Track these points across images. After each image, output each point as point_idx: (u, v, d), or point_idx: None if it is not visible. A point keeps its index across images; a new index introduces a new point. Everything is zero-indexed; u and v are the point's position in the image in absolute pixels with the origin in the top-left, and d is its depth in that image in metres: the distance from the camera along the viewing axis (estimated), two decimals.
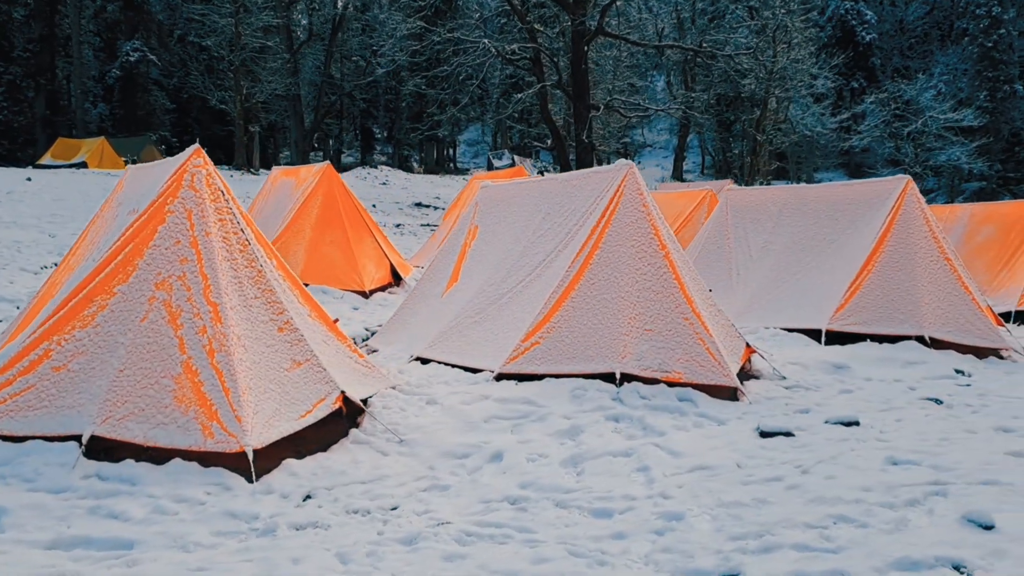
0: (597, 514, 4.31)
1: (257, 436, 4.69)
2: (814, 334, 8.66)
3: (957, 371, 7.68)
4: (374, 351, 8.05)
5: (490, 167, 40.90)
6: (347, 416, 5.44)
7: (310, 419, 5.14)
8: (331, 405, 5.30)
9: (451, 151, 64.07)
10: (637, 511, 4.30)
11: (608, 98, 32.14)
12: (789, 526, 4.04)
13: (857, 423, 5.90)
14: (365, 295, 11.37)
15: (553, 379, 6.60)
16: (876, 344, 8.39)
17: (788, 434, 5.63)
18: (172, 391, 4.80)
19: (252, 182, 33.70)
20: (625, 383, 6.51)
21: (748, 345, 7.39)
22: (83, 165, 39.17)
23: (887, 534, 3.92)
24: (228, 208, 5.45)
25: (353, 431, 5.35)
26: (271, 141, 59.43)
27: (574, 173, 7.98)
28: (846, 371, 7.55)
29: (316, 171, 12.04)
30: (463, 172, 55.24)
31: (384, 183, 39.89)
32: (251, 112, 48.56)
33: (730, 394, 6.52)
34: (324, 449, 5.15)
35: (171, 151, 51.66)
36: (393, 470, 4.93)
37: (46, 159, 40.29)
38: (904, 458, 5.02)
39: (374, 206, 29.00)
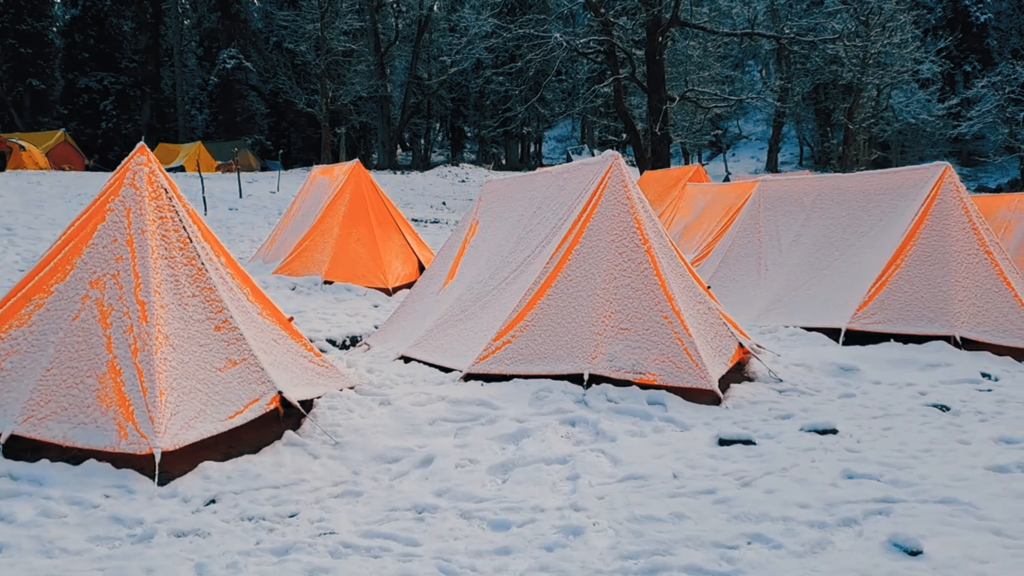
0: (496, 526, 4.04)
1: (171, 438, 4.60)
2: (834, 333, 8.05)
3: (983, 375, 6.97)
4: (367, 348, 7.94)
5: (568, 160, 40.41)
6: (286, 417, 5.30)
7: (239, 420, 5.02)
8: (265, 406, 5.18)
9: (535, 147, 63.91)
10: (538, 524, 4.00)
11: (687, 89, 31.18)
12: (693, 545, 3.68)
13: (834, 431, 5.43)
14: (388, 292, 11.29)
15: (522, 380, 6.33)
16: (900, 345, 7.73)
17: (748, 442, 5.22)
18: (96, 391, 4.78)
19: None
20: (594, 385, 6.17)
21: (741, 346, 6.88)
22: (180, 169, 40.95)
23: (797, 557, 3.52)
24: (170, 206, 5.40)
25: (288, 433, 5.20)
26: (362, 142, 60.75)
27: (566, 165, 7.64)
28: (854, 374, 6.95)
29: (346, 169, 12.06)
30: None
31: (463, 180, 40.06)
32: (338, 114, 49.76)
33: (710, 398, 6.08)
34: (255, 451, 5.03)
35: (266, 154, 53.59)
36: (315, 474, 4.76)
37: None
38: (864, 472, 4.56)
39: (444, 203, 29.11)
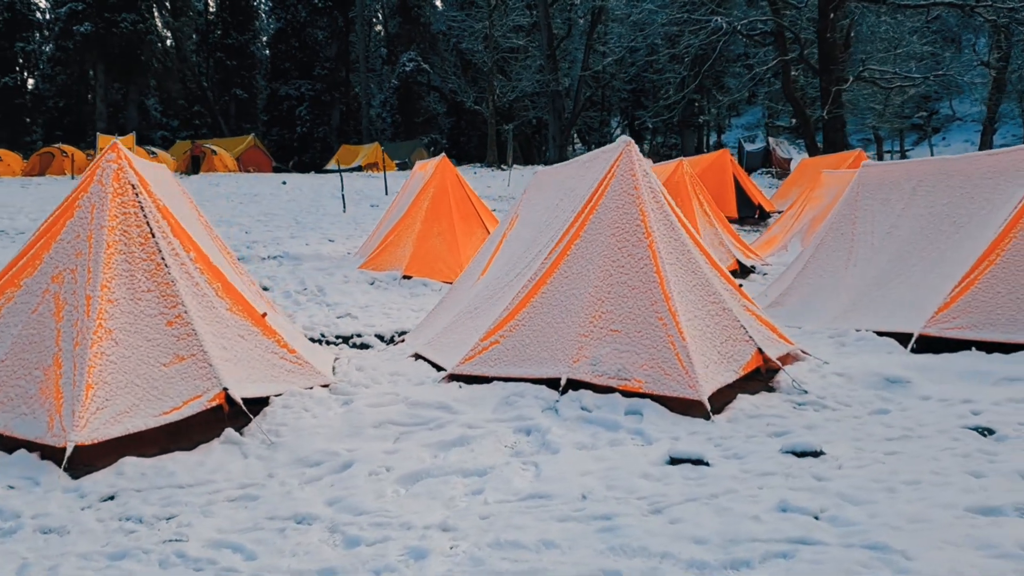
0: (349, 543, 3.75)
1: (90, 432, 4.66)
2: (907, 339, 6.94)
3: None
4: (403, 343, 7.84)
5: (740, 152, 38.47)
6: (233, 416, 5.23)
7: (175, 416, 5.02)
8: (206, 403, 5.14)
9: (715, 136, 61.54)
10: (390, 544, 3.67)
11: (862, 69, 28.69)
12: None
13: (815, 454, 4.69)
14: None
15: (501, 383, 5.94)
16: (982, 355, 6.57)
17: (699, 462, 4.60)
18: (40, 382, 4.93)
19: (491, 177, 34.96)
20: (571, 391, 5.67)
21: (761, 352, 6.06)
22: (359, 169, 43.15)
23: None
24: (135, 202, 5.50)
25: (228, 431, 5.14)
26: (537, 137, 61.26)
27: (589, 155, 7.08)
28: (901, 387, 5.95)
29: (432, 164, 12.02)
30: None
31: None
32: (507, 110, 50.42)
33: (700, 409, 5.37)
34: (190, 449, 4.99)
35: (441, 152, 55.31)
36: (228, 475, 4.66)
37: (331, 164, 44.80)
38: (804, 505, 3.87)
39: None
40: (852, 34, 39.22)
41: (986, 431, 5.08)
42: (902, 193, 8.43)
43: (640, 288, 5.88)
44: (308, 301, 10.39)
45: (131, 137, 29.50)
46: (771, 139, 39.45)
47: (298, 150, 54.46)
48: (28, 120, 48.27)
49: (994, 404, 5.59)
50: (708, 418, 5.32)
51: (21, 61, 48.62)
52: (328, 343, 8.40)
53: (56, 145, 32.36)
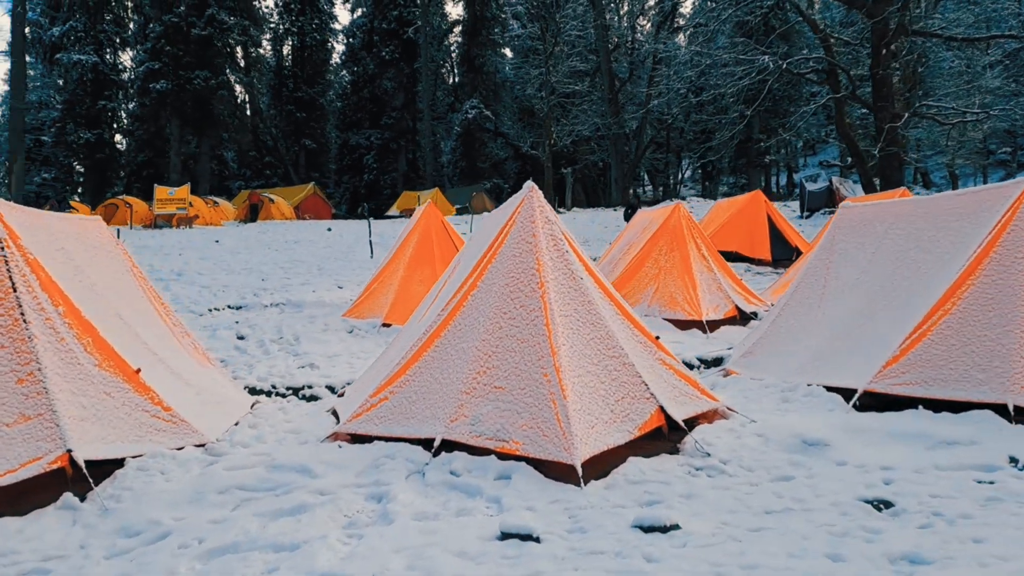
0: None
1: None
2: (854, 395, 6.27)
3: (1012, 459, 5.06)
4: (342, 396, 7.54)
5: (802, 192, 37.15)
6: (75, 478, 4.99)
7: (8, 479, 4.81)
8: (46, 465, 4.92)
9: (786, 176, 59.89)
10: None
11: (919, 104, 27.46)
12: None
13: (664, 529, 4.23)
14: None
15: (383, 442, 5.57)
16: (928, 414, 5.90)
17: (528, 537, 4.11)
18: None
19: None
20: (444, 452, 5.25)
21: (663, 410, 5.52)
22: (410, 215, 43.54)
23: None
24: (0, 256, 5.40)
25: (66, 495, 4.90)
26: (602, 180, 60.97)
27: (508, 200, 6.71)
28: (819, 451, 5.36)
29: (418, 210, 11.84)
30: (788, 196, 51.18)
31: None
32: (569, 154, 50.37)
33: (577, 474, 4.87)
34: (23, 513, 4.77)
35: (500, 197, 55.61)
36: (40, 545, 4.40)
37: (392, 211, 45.45)
38: None
39: None
40: (920, 70, 37.85)
41: (883, 504, 4.48)
42: (875, 236, 7.74)
43: (528, 341, 5.46)
44: (279, 350, 10.24)
45: (186, 187, 30.54)
46: (835, 179, 38.05)
47: (366, 197, 55.56)
48: (111, 173, 50.71)
49: (915, 472, 4.95)
50: (579, 484, 4.82)
51: (107, 118, 51.25)
52: (278, 395, 8.17)
53: (120, 197, 33.78)
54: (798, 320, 8.02)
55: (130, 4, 53.79)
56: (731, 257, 19.11)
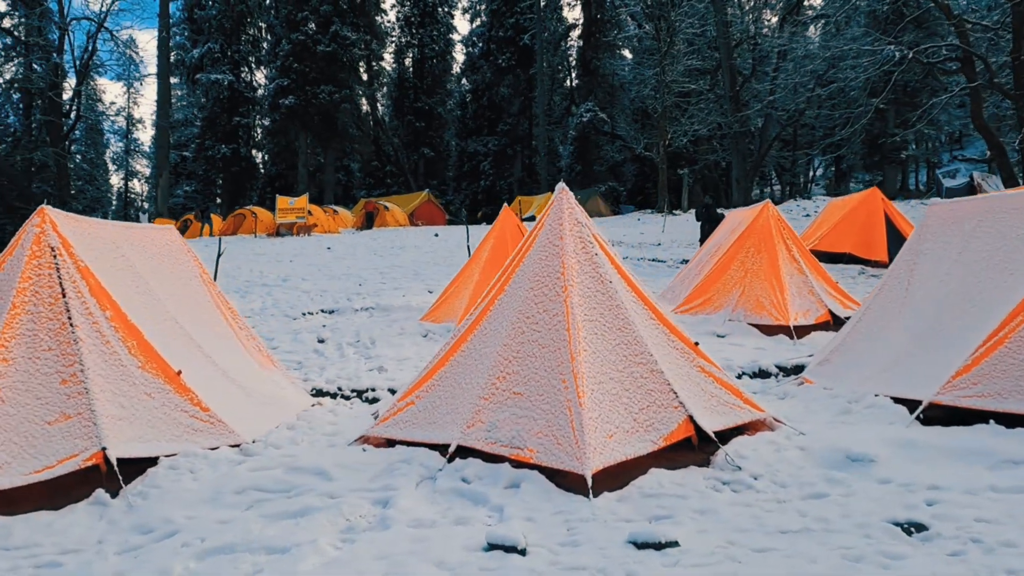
0: None
1: None
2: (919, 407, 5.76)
3: None
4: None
5: (938, 189, 34.84)
6: (109, 475, 5.21)
7: (46, 475, 5.08)
8: (82, 462, 5.16)
9: (925, 172, 56.28)
10: None
11: None
12: None
13: (658, 546, 4.00)
14: None
15: (405, 447, 5.55)
16: (1001, 429, 5.34)
17: (513, 549, 3.98)
18: None
19: (653, 223, 34.15)
20: (458, 459, 5.17)
21: (691, 419, 5.21)
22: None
23: None
24: (51, 263, 5.70)
25: (98, 492, 5.11)
26: (724, 179, 59.24)
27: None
28: (862, 467, 4.95)
29: (501, 213, 11.88)
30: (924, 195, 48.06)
31: (807, 215, 36.77)
32: (687, 154, 49.28)
33: (587, 485, 4.69)
34: (58, 508, 5.03)
35: (619, 200, 54.99)
36: (62, 539, 4.61)
37: None
38: None
39: None
40: None
41: (915, 528, 4.08)
42: (962, 234, 7.09)
43: (549, 347, 5.31)
44: (355, 353, 10.43)
45: (304, 197, 31.83)
46: (976, 175, 35.43)
47: (482, 202, 56.22)
48: (246, 185, 53.56)
49: (966, 493, 4.49)
50: (587, 496, 4.63)
51: (242, 133, 54.23)
52: (343, 397, 8.34)
53: (248, 207, 35.58)
54: (877, 326, 7.45)
55: (263, 25, 56.70)
56: (844, 259, 18.12)
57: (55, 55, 50.35)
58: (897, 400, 6.10)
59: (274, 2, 52.24)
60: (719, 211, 16.30)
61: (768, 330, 10.70)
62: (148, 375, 5.82)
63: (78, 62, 52.08)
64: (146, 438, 5.52)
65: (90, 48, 50.75)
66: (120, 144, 65.49)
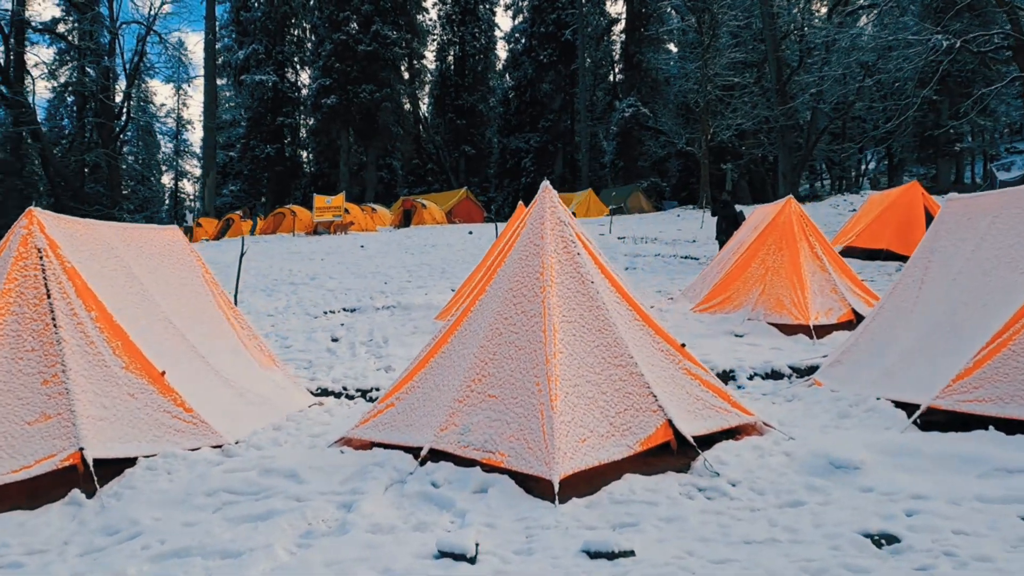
0: None
1: None
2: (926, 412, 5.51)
3: None
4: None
5: (992, 181, 33.63)
6: (86, 476, 5.24)
7: (23, 475, 5.12)
8: (59, 463, 5.20)
9: (981, 165, 54.44)
10: None
11: None
12: None
13: (612, 555, 3.88)
14: None
15: (382, 449, 5.49)
16: (1001, 435, 5.09)
17: (462, 557, 3.91)
18: None
19: (692, 219, 33.68)
20: (430, 462, 5.08)
21: (671, 423, 5.06)
22: (572, 215, 43.31)
23: None
24: (38, 264, 5.77)
25: (74, 492, 5.14)
26: (772, 175, 58.16)
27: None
28: (845, 474, 4.76)
29: (516, 211, 11.74)
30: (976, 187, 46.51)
31: (853, 210, 35.89)
32: (731, 149, 48.49)
33: (555, 490, 4.57)
34: (34, 508, 5.07)
35: (663, 196, 54.33)
36: (31, 539, 4.63)
37: None
38: None
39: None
40: None
41: (886, 540, 3.89)
42: (976, 231, 6.78)
43: (525, 348, 5.19)
44: (366, 352, 10.42)
45: (341, 196, 32.05)
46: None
47: (525, 198, 56.12)
48: (290, 184, 54.26)
49: (950, 503, 4.28)
50: (553, 501, 4.50)
51: (286, 133, 54.98)
52: (347, 396, 8.34)
53: (288, 206, 35.99)
54: (888, 326, 7.17)
55: (307, 26, 57.37)
56: (881, 255, 17.60)
57: (106, 59, 51.62)
58: (898, 404, 5.86)
59: (317, 3, 52.76)
60: (737, 208, 15.85)
61: (788, 329, 10.40)
62: (132, 375, 5.84)
63: (128, 65, 53.34)
64: (126, 438, 5.55)
65: (139, 51, 51.92)
66: (171, 145, 66.92)
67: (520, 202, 12.02)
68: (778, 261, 11.01)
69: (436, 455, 5.18)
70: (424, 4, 56.57)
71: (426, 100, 62.32)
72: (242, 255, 14.07)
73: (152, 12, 53.29)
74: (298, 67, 57.50)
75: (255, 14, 54.24)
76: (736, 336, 10.44)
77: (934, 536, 3.88)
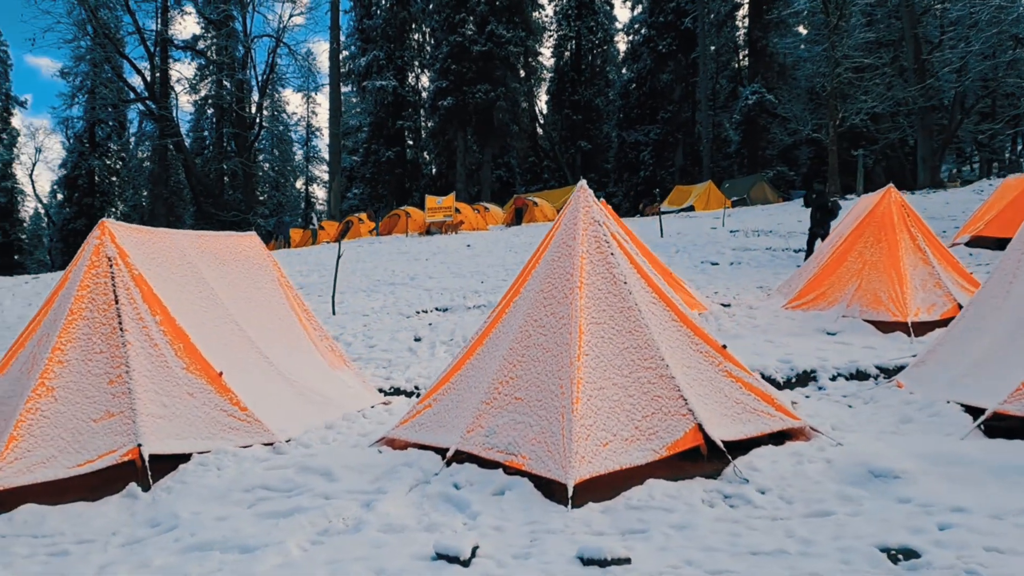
0: None
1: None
2: (993, 417, 5.11)
3: None
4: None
5: None
6: (142, 470, 5.57)
7: (87, 468, 5.51)
8: (119, 457, 5.57)
9: None
10: None
11: None
12: None
13: (605, 563, 3.80)
14: None
15: (417, 450, 5.57)
16: None
17: (456, 560, 3.93)
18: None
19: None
20: (455, 464, 5.12)
21: (701, 428, 4.87)
22: (690, 209, 42.69)
23: None
24: (108, 272, 6.18)
25: (131, 485, 5.48)
26: (910, 159, 54.89)
27: None
28: (883, 484, 4.50)
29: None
30: None
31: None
32: (865, 133, 46.15)
33: (570, 494, 4.52)
34: (95, 500, 5.43)
35: (784, 186, 52.30)
36: (84, 529, 4.96)
37: (664, 206, 44.93)
38: None
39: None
40: None
41: (904, 555, 3.65)
42: None
43: (553, 351, 5.15)
44: (445, 352, 10.57)
45: (451, 196, 32.61)
46: None
47: (642, 193, 55.31)
48: (409, 185, 55.73)
49: (990, 518, 3.98)
50: (567, 505, 4.45)
51: (406, 136, 56.54)
52: (417, 396, 8.51)
53: (402, 207, 36.94)
54: (972, 327, 6.65)
55: (427, 30, 58.71)
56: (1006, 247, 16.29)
57: (239, 72, 54.64)
58: (968, 408, 5.42)
59: (436, 6, 53.87)
60: (833, 200, 14.82)
61: (884, 327, 9.81)
62: (192, 376, 6.17)
63: (260, 77, 56.23)
64: (183, 435, 5.86)
65: (270, 63, 54.64)
66: (302, 152, 70.10)
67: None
68: (876, 254, 10.38)
69: (463, 457, 5.21)
70: (540, 1, 56.76)
71: (544, 97, 62.49)
72: (338, 259, 14.55)
73: (281, 25, 56.07)
74: (418, 71, 58.93)
75: (377, 21, 55.92)
76: (828, 334, 9.95)
77: (961, 552, 3.59)
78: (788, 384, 8.14)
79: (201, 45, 56.83)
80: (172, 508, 5.09)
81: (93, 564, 4.36)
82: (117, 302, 6.11)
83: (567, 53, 60.12)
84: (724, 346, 5.50)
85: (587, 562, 3.76)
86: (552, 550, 3.94)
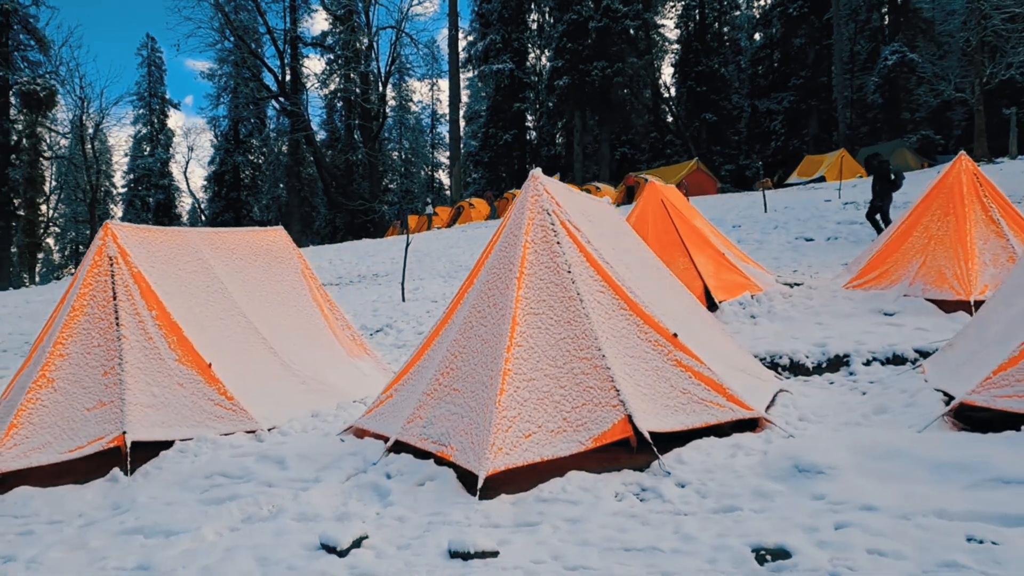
0: None
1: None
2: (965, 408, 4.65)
3: None
4: None
5: None
6: (125, 456, 5.92)
7: (78, 454, 5.92)
8: (106, 444, 5.95)
9: None
10: None
11: None
12: None
13: (468, 555, 3.77)
14: None
15: (372, 439, 5.66)
16: None
17: (333, 550, 4.01)
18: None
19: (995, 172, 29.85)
20: (392, 454, 5.18)
21: (630, 419, 4.68)
22: (821, 179, 40.60)
23: None
24: (108, 271, 6.60)
25: (115, 471, 5.84)
26: None
27: None
28: (808, 479, 4.27)
29: (644, 190, 11.18)
30: None
31: None
32: (1020, 91, 42.29)
33: (479, 486, 4.50)
34: (83, 483, 5.84)
35: (931, 152, 48.68)
36: (59, 510, 5.32)
37: (793, 178, 43.01)
38: None
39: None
40: None
41: (773, 555, 3.46)
42: None
43: (490, 342, 5.10)
44: None
45: (556, 178, 32.48)
46: None
47: (772, 166, 53.07)
48: (528, 167, 55.84)
49: (898, 518, 3.71)
50: (487, 497, 4.41)
51: (523, 118, 56.71)
52: None
53: (466, 199, 37.23)
54: (992, 309, 6.02)
55: (546, 10, 58.48)
56: None
57: (364, 64, 56.44)
58: (948, 398, 4.92)
59: None
60: (897, 168, 13.36)
61: (948, 306, 9.03)
62: (183, 367, 6.49)
63: (383, 68, 57.86)
64: (168, 423, 6.18)
65: (393, 54, 56.11)
66: (427, 138, 71.64)
67: (646, 179, 11.48)
68: (943, 229, 9.54)
69: (403, 447, 5.23)
70: None
71: (668, 71, 60.98)
72: (407, 247, 14.82)
73: (402, 15, 57.42)
74: (537, 52, 58.87)
75: (495, 5, 56.22)
76: (885, 315, 9.27)
77: (837, 555, 3.32)
78: (818, 369, 7.68)
79: (329, 40, 59.04)
80: (136, 493, 5.40)
81: (42, 544, 4.68)
82: (115, 298, 6.50)
83: (691, 24, 58.36)
84: (675, 335, 5.22)
85: (453, 555, 3.75)
86: (432, 542, 3.93)
